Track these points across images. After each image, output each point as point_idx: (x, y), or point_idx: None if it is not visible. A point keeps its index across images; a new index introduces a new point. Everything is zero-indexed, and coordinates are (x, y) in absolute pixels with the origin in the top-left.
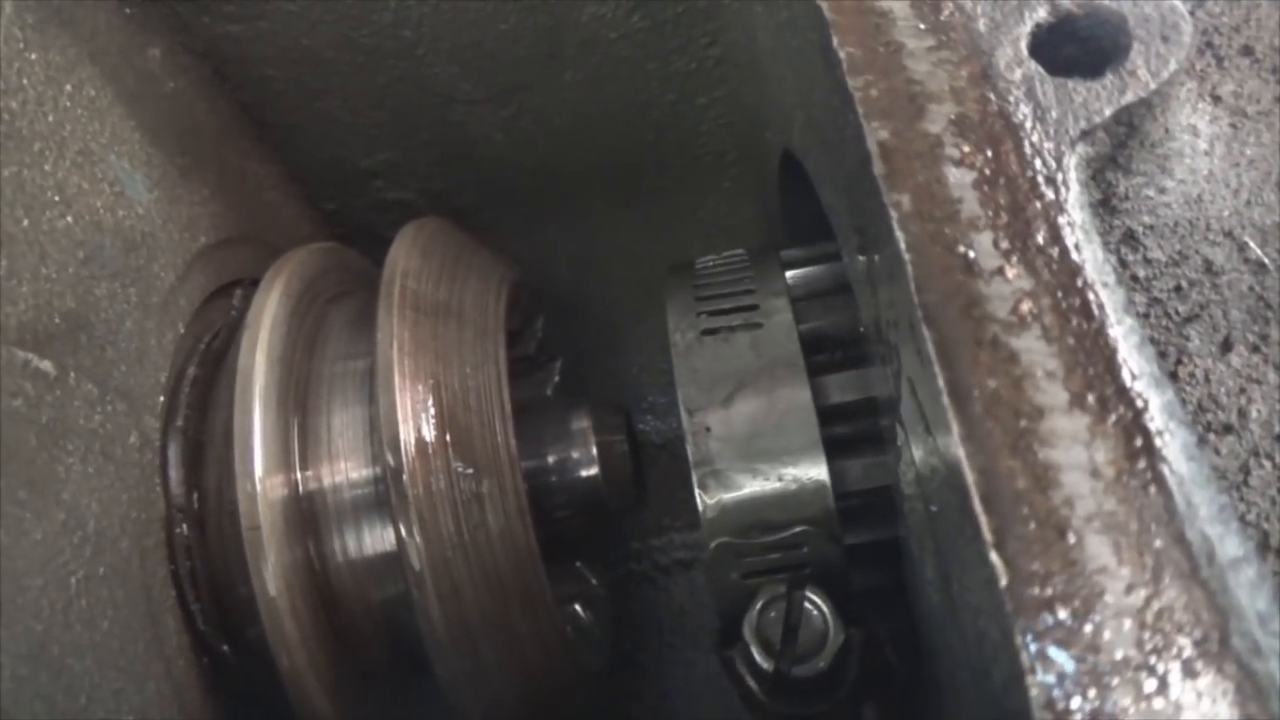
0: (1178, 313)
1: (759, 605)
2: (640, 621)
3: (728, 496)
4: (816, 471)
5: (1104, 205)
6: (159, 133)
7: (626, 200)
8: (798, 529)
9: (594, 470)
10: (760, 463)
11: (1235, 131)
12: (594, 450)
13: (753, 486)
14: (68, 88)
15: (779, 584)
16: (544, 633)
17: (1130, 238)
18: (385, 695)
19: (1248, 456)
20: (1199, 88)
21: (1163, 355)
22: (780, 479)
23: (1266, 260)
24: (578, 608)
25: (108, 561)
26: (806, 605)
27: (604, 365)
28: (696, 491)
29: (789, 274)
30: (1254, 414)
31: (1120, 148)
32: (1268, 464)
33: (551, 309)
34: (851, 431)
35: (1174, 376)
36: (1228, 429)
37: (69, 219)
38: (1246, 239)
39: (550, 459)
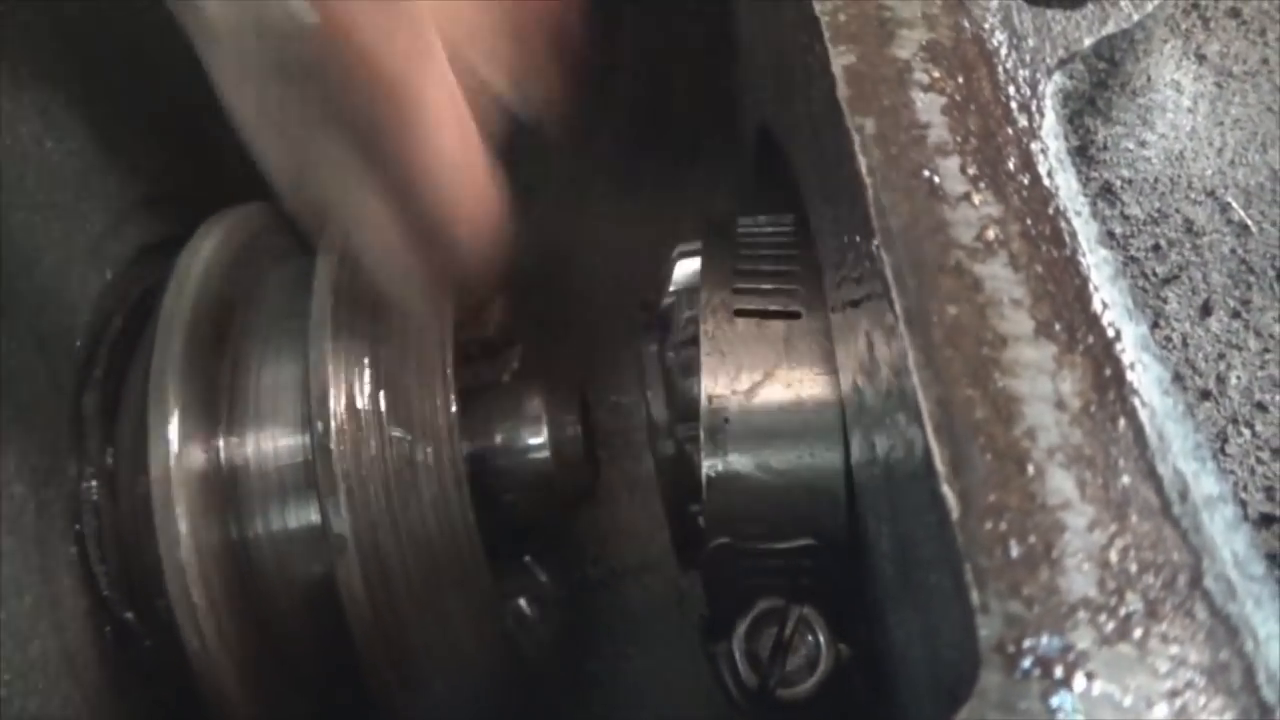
0: (1155, 273)
1: (751, 617)
2: (594, 628)
3: (736, 496)
4: (834, 483)
5: (1081, 154)
6: (105, 71)
7: (601, 186)
8: (804, 541)
9: (544, 451)
10: (776, 465)
11: (1220, 91)
12: (545, 428)
13: (763, 489)
14: None
15: (776, 596)
16: (479, 618)
17: (1108, 191)
18: (305, 682)
19: (1226, 424)
20: (1184, 46)
21: None
22: (795, 485)
23: (1250, 222)
24: (522, 602)
25: None
26: (801, 626)
27: (567, 356)
28: (704, 487)
29: None
30: (1233, 380)
31: (1100, 87)
32: (1246, 432)
33: (516, 296)
34: None
35: None
36: (1205, 395)
37: None
38: (1230, 199)
39: (498, 438)
